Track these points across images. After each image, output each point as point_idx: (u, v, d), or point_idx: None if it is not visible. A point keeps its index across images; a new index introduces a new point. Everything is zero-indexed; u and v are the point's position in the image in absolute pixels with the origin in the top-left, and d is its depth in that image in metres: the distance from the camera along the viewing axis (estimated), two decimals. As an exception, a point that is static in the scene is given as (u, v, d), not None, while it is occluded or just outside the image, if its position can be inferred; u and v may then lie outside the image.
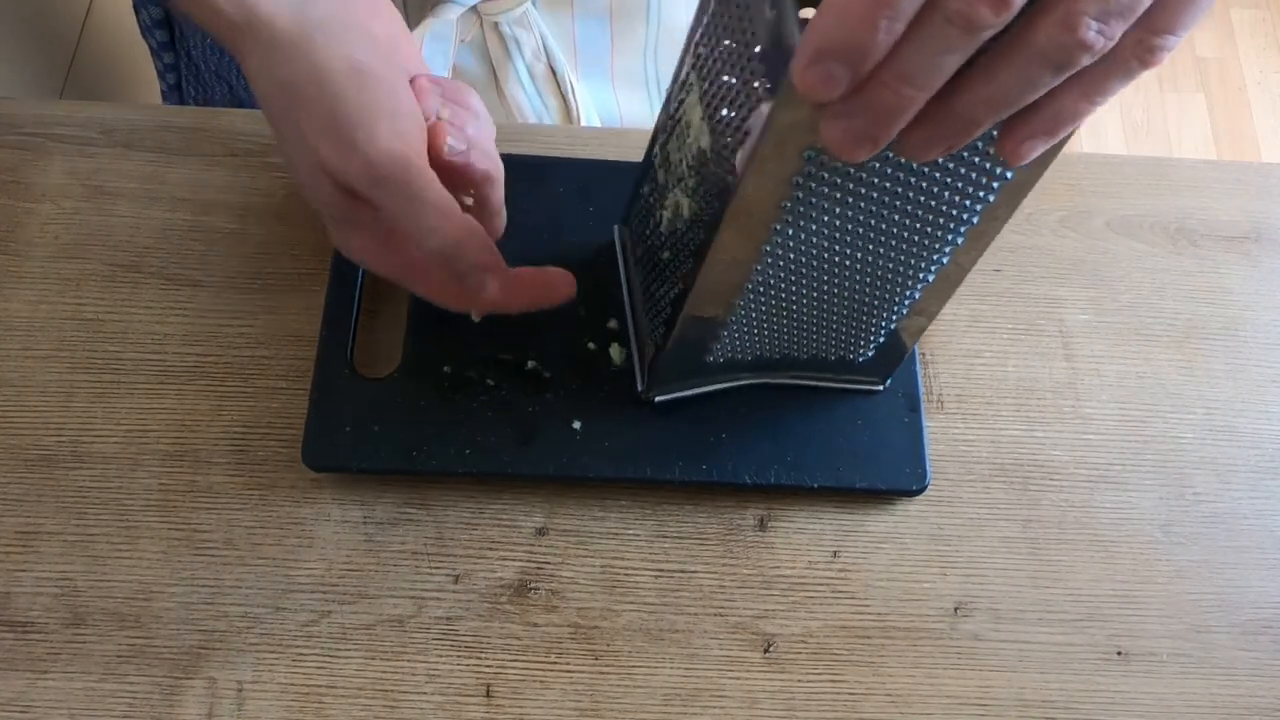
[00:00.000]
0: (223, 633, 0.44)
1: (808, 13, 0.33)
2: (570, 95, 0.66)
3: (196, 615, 0.44)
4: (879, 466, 0.47)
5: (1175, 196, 0.56)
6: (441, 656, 0.44)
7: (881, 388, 0.48)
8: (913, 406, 0.48)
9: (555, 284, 0.46)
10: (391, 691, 0.43)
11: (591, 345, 0.49)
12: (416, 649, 0.44)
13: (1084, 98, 0.29)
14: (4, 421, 0.47)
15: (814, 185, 0.35)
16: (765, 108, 0.32)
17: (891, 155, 0.34)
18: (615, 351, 0.48)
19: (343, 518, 0.46)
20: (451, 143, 0.42)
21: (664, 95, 0.42)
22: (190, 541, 0.45)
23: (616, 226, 0.51)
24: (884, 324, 0.44)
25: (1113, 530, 0.48)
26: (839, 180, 0.35)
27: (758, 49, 0.33)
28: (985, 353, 0.52)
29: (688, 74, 0.39)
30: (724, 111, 0.37)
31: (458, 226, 0.41)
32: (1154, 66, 0.28)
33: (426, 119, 0.42)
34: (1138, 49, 0.27)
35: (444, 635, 0.44)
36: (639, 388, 0.47)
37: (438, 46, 0.63)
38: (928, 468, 0.47)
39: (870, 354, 0.46)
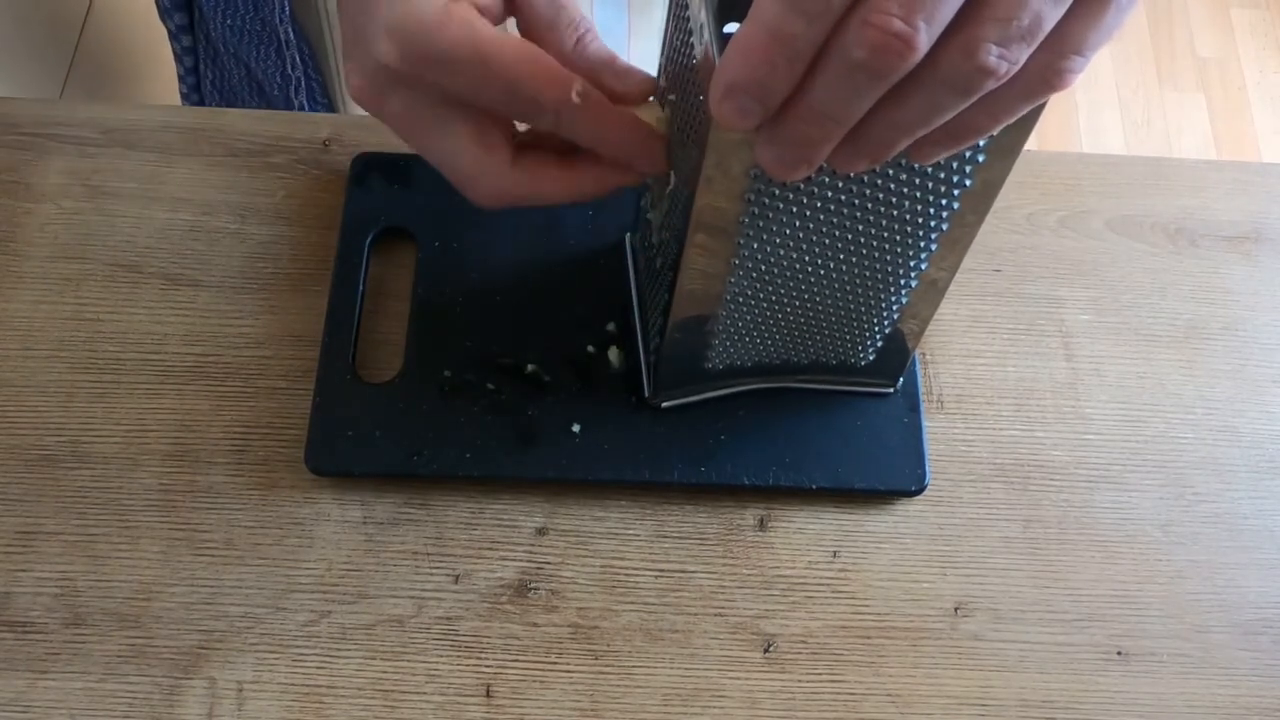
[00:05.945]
0: (223, 633, 0.44)
1: (732, 27, 0.33)
2: None
3: (196, 615, 0.44)
4: (879, 467, 0.47)
5: (1175, 196, 0.56)
6: (441, 656, 0.44)
7: (892, 390, 0.48)
8: (913, 406, 0.48)
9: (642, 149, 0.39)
10: (391, 691, 0.43)
11: (590, 348, 0.49)
12: (416, 649, 0.44)
13: (990, 116, 0.29)
14: (4, 421, 0.47)
15: (768, 200, 0.36)
16: (705, 126, 0.33)
17: (838, 171, 0.35)
18: (614, 354, 0.48)
19: (343, 518, 0.46)
20: None
21: None
22: (190, 541, 0.45)
23: (628, 235, 0.51)
24: (877, 329, 0.44)
25: (1113, 530, 0.48)
26: (792, 194, 0.36)
27: (695, 65, 0.34)
28: (985, 353, 0.52)
29: (662, 88, 0.40)
30: (685, 127, 0.37)
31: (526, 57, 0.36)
32: (1063, 89, 0.28)
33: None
34: (1045, 72, 0.28)
35: (444, 635, 0.44)
36: (646, 393, 0.47)
37: None
38: (927, 468, 0.47)
39: (871, 357, 0.46)
